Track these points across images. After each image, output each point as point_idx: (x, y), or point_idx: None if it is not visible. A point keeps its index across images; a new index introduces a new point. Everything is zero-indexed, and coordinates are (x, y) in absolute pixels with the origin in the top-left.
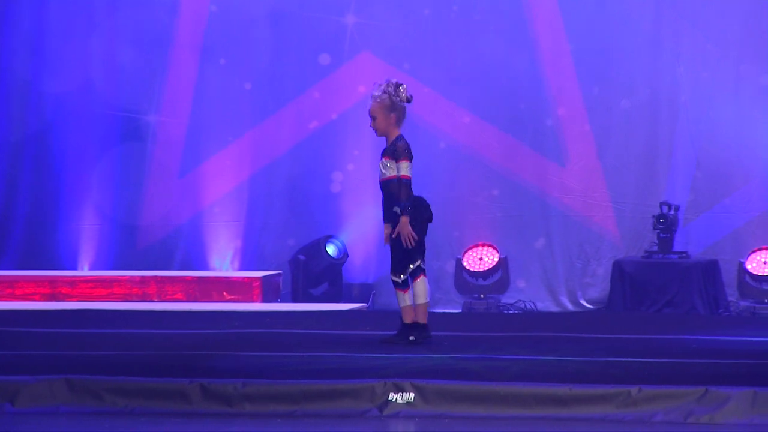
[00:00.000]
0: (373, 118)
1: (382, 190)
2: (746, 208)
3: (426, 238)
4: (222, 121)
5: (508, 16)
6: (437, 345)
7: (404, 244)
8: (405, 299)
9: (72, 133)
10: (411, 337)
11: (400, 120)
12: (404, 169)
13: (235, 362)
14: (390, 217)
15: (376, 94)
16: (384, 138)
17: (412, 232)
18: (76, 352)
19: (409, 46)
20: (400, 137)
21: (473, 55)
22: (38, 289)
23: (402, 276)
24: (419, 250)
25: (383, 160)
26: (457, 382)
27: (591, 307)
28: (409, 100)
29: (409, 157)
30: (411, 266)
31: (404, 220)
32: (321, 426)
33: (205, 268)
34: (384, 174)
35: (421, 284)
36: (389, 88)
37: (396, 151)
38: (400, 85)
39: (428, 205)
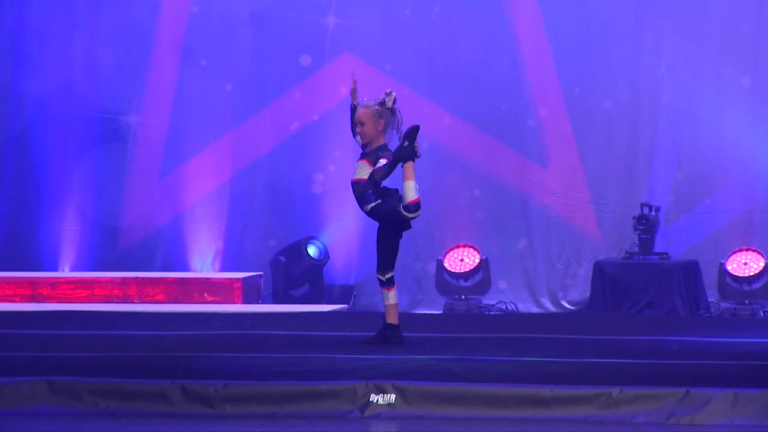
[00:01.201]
0: (361, 123)
1: (352, 189)
2: (727, 209)
3: (407, 239)
4: (203, 122)
5: (490, 18)
6: (418, 346)
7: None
8: (390, 297)
9: (52, 134)
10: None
11: (387, 127)
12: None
13: (216, 363)
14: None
15: (369, 102)
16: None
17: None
18: (57, 353)
19: (391, 47)
20: (385, 146)
21: (455, 56)
22: (19, 290)
23: (387, 274)
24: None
25: (361, 161)
26: (439, 383)
27: (572, 308)
28: (392, 111)
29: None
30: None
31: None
32: (302, 427)
33: (186, 269)
34: (355, 174)
35: None
36: (385, 98)
37: (380, 158)
38: (391, 93)
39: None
